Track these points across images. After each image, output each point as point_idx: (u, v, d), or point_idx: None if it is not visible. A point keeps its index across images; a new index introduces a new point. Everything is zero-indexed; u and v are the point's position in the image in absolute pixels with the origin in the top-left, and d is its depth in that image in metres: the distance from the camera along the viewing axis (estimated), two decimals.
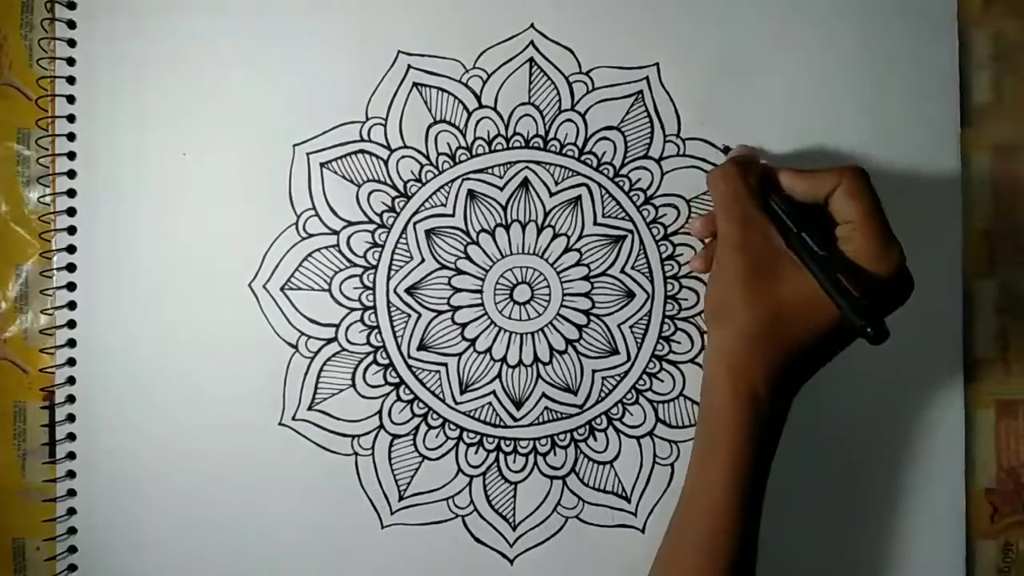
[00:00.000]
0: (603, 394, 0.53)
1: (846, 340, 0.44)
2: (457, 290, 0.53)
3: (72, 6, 0.53)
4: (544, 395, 0.53)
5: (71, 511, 0.53)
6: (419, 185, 0.53)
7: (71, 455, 0.53)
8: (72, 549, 0.53)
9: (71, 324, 0.53)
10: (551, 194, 0.53)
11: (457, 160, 0.53)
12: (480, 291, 0.53)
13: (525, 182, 0.53)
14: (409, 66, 0.53)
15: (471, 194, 0.53)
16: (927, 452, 0.53)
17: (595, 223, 0.53)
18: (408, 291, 0.53)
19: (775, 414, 0.44)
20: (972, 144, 0.53)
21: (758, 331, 0.43)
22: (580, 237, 0.53)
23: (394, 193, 0.53)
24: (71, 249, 0.53)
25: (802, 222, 0.44)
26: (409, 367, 0.53)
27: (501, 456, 0.53)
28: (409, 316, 0.53)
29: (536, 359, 0.53)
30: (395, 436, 0.53)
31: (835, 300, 0.41)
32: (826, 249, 0.43)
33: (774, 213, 0.45)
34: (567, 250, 0.53)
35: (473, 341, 0.53)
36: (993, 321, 0.54)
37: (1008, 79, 0.54)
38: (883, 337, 0.40)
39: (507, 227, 0.53)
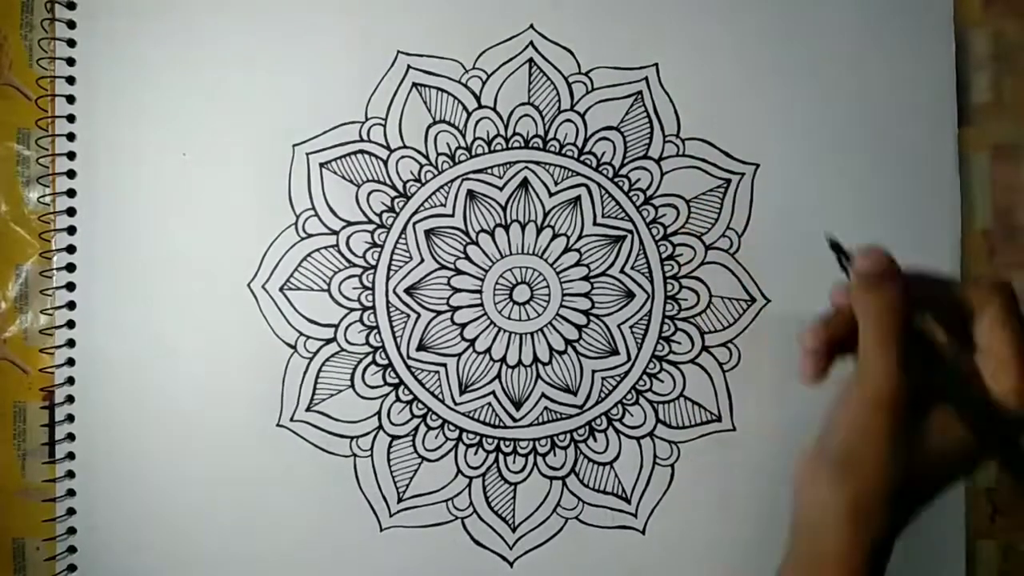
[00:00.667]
0: (603, 394, 0.53)
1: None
2: (456, 290, 0.53)
3: (72, 6, 0.53)
4: (544, 395, 0.53)
5: (71, 511, 0.53)
6: (419, 185, 0.53)
7: (71, 455, 0.53)
8: (72, 549, 0.53)
9: (71, 324, 0.53)
10: (551, 194, 0.53)
11: (456, 160, 0.53)
12: (479, 291, 0.53)
13: (524, 182, 0.53)
14: (409, 66, 0.53)
15: (471, 194, 0.53)
16: None
17: (595, 223, 0.53)
18: (407, 291, 0.53)
19: (887, 555, 0.38)
20: (972, 144, 0.53)
21: (900, 488, 0.36)
22: (580, 237, 0.53)
23: (393, 193, 0.53)
24: (71, 249, 0.53)
25: (954, 352, 0.36)
26: (408, 367, 0.53)
27: (501, 457, 0.53)
28: (408, 316, 0.53)
29: (536, 359, 0.53)
30: (394, 437, 0.53)
31: (997, 456, 0.35)
32: (976, 390, 0.35)
33: (921, 339, 0.36)
34: (567, 250, 0.53)
35: (472, 341, 0.53)
36: None
37: (1008, 79, 0.54)
38: None
39: (507, 227, 0.53)
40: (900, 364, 0.35)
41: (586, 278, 0.53)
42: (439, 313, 0.53)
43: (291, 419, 0.53)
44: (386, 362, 0.53)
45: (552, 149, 0.53)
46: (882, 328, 0.35)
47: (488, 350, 0.53)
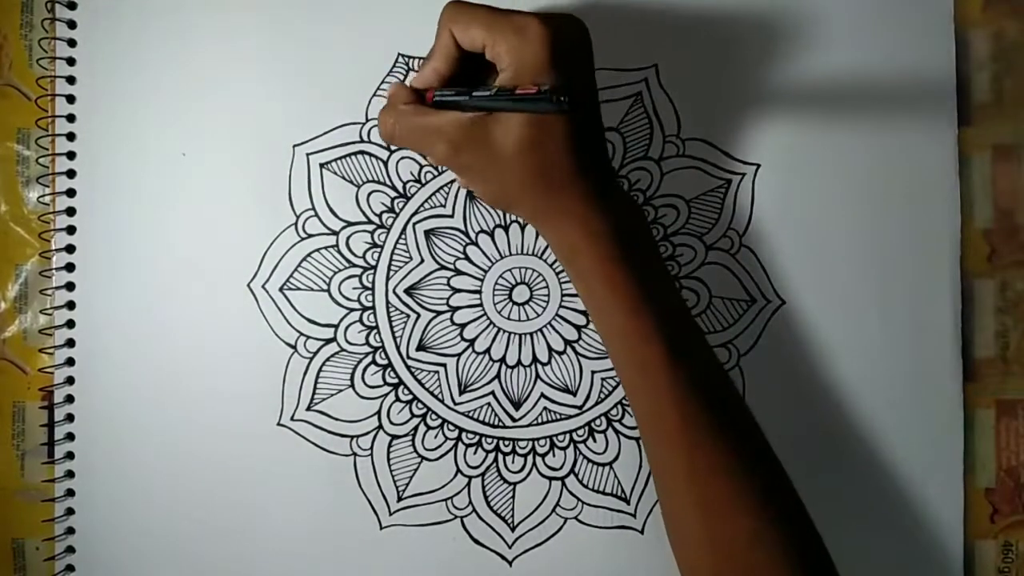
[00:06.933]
0: (602, 395, 0.53)
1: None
2: (456, 291, 0.53)
3: (72, 6, 0.53)
4: (543, 396, 0.53)
5: (70, 511, 0.53)
6: (418, 186, 0.53)
7: (70, 455, 0.53)
8: (70, 549, 0.53)
9: (70, 324, 0.53)
10: None
11: None
12: (479, 292, 0.53)
13: None
14: (409, 68, 0.53)
15: (470, 195, 0.53)
16: (927, 452, 0.53)
17: None
18: (407, 291, 0.53)
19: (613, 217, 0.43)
20: (972, 144, 0.53)
21: (529, 183, 0.42)
22: None
23: (393, 194, 0.53)
24: (70, 249, 0.53)
25: (466, 85, 0.43)
26: (408, 367, 0.53)
27: (500, 457, 0.53)
28: (408, 316, 0.53)
29: (535, 359, 0.53)
30: (394, 436, 0.53)
31: (526, 109, 0.40)
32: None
33: (445, 104, 0.43)
34: None
35: (472, 341, 0.53)
36: (993, 321, 0.54)
37: (1008, 79, 0.54)
38: (564, 102, 0.39)
39: (506, 228, 0.53)
40: (437, 135, 0.42)
41: None
42: (439, 313, 0.53)
43: (292, 418, 0.53)
44: (386, 362, 0.53)
45: None
46: (413, 137, 0.44)
47: (487, 350, 0.53)
